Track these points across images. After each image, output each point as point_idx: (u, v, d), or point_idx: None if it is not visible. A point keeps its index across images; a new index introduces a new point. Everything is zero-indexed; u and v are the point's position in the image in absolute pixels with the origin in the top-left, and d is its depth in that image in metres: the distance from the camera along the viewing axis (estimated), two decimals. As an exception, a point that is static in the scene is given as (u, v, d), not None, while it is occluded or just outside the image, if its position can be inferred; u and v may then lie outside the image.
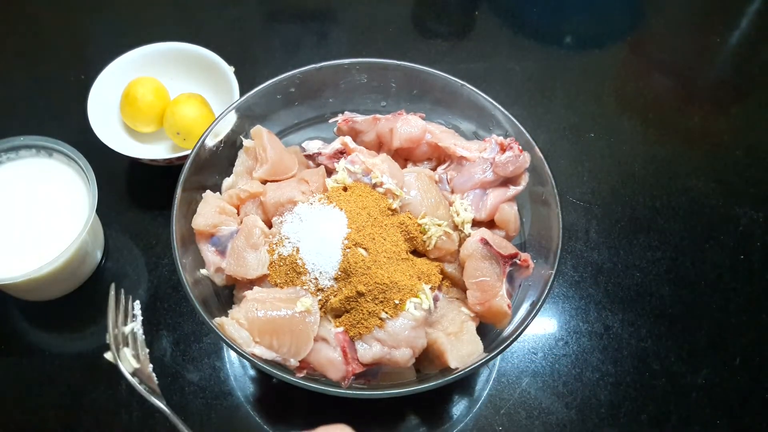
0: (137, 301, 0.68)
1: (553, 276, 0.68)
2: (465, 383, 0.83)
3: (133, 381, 0.65)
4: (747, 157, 1.06)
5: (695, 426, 0.81)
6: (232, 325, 0.64)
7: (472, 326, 0.69)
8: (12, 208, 0.80)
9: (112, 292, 0.69)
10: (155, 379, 0.67)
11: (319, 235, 0.68)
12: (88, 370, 0.81)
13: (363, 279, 0.65)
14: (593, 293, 0.90)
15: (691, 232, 0.97)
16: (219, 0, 1.23)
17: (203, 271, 0.72)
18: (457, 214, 0.73)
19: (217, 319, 0.65)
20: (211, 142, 0.77)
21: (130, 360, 0.67)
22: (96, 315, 0.85)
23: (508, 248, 0.70)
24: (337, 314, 0.66)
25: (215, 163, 0.78)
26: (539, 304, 0.67)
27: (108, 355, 0.67)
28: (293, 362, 0.64)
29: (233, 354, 0.83)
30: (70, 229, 0.79)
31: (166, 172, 0.93)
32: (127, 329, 0.68)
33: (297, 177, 0.76)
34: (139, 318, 0.69)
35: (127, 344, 0.68)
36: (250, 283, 0.69)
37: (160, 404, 0.65)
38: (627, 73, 1.17)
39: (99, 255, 0.89)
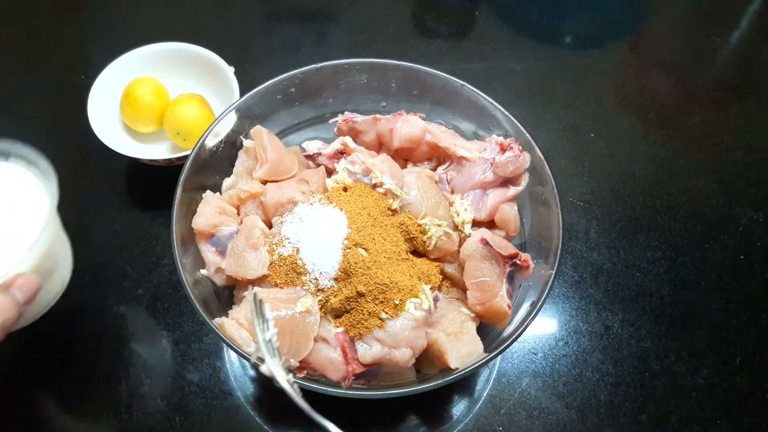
0: (267, 304, 0.61)
1: (553, 276, 0.68)
2: (465, 383, 0.83)
3: (300, 401, 0.56)
4: (747, 157, 1.06)
5: (695, 426, 0.81)
6: (232, 325, 0.64)
7: (472, 326, 0.69)
8: None
9: (252, 298, 0.58)
10: (297, 389, 0.59)
11: (319, 235, 0.68)
12: (88, 369, 0.81)
13: (363, 279, 0.65)
14: (593, 293, 0.90)
15: (691, 232, 0.97)
16: (219, 0, 1.23)
17: (203, 271, 0.72)
18: (457, 215, 0.73)
19: (217, 319, 0.65)
20: (211, 142, 0.77)
21: (282, 371, 0.57)
22: (96, 314, 0.85)
23: (508, 248, 0.69)
24: (337, 314, 0.66)
25: (215, 163, 0.78)
26: (539, 304, 0.67)
27: (264, 369, 0.58)
28: (293, 362, 0.64)
29: (233, 354, 0.83)
30: (24, 245, 0.64)
31: (166, 172, 0.93)
32: (268, 336, 0.58)
33: (297, 177, 0.76)
34: (272, 322, 0.59)
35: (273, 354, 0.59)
36: (250, 284, 0.69)
37: (323, 420, 0.56)
38: (627, 73, 1.17)
39: (67, 273, 0.75)
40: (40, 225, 0.65)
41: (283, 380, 0.56)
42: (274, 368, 0.56)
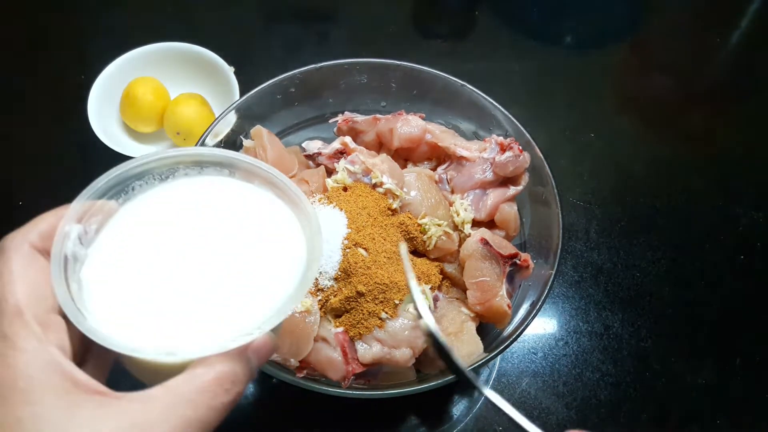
0: (410, 263, 0.55)
1: (553, 276, 0.68)
2: (465, 383, 0.83)
3: (459, 361, 0.53)
4: (747, 157, 1.06)
5: (695, 426, 0.81)
6: (232, 325, 0.64)
7: (472, 326, 0.69)
8: (212, 246, 0.48)
9: (404, 252, 0.53)
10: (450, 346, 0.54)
11: (319, 235, 0.67)
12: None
13: (363, 279, 0.65)
14: (593, 293, 0.90)
15: (691, 232, 0.97)
16: (219, 0, 1.23)
17: (203, 271, 0.72)
18: (457, 214, 0.73)
19: (217, 319, 0.65)
20: (211, 142, 0.77)
21: (440, 332, 0.56)
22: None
23: (508, 248, 0.69)
24: (337, 314, 0.66)
25: (215, 163, 0.78)
26: (539, 304, 0.67)
27: (422, 324, 0.55)
28: (293, 362, 0.64)
29: (233, 354, 0.83)
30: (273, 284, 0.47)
31: (166, 172, 0.93)
32: (420, 289, 0.57)
33: (297, 177, 0.76)
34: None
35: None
36: (250, 283, 0.69)
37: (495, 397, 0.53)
38: (627, 73, 1.17)
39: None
40: (296, 279, 0.47)
41: (441, 335, 0.54)
42: (432, 323, 0.54)
